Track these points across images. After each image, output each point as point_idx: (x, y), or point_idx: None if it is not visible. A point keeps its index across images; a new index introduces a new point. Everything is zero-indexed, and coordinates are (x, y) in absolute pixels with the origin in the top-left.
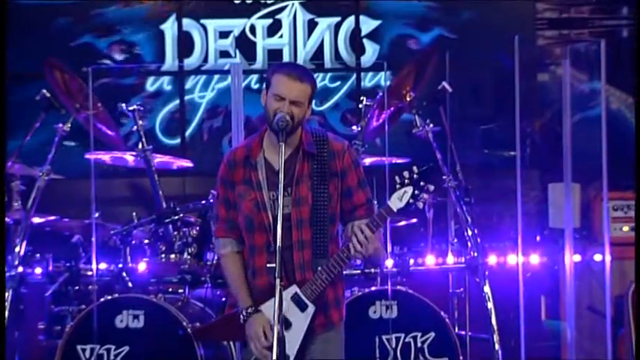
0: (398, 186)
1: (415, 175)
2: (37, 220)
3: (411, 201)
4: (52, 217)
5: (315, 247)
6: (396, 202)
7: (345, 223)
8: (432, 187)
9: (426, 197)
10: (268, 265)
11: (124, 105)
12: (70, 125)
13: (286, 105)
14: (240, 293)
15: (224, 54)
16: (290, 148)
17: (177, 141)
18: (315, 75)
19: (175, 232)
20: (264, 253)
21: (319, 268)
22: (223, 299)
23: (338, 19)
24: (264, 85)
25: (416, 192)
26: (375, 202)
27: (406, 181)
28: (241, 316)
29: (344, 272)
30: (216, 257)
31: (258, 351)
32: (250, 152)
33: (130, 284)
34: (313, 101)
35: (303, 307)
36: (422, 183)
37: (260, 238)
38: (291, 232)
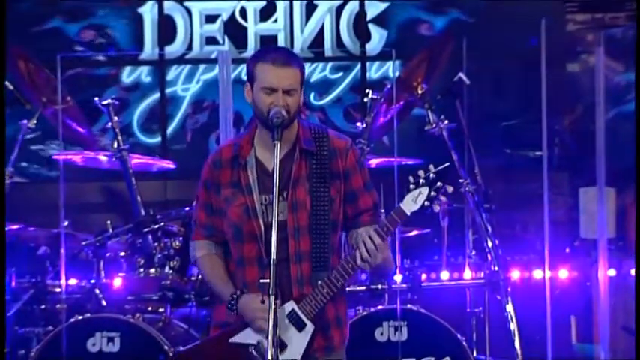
0: (412, 186)
1: (432, 175)
2: None
3: (426, 204)
4: (15, 226)
5: (315, 259)
6: (409, 204)
7: (347, 230)
8: (450, 189)
9: (443, 199)
10: (261, 281)
11: (97, 98)
12: (36, 122)
13: (280, 97)
14: (222, 285)
15: (211, 41)
16: (285, 145)
17: (158, 139)
18: (315, 65)
19: (155, 243)
20: (256, 266)
21: (319, 281)
22: (209, 319)
23: (340, 1)
24: (245, 80)
25: (432, 194)
26: (382, 211)
27: (421, 181)
28: (229, 304)
29: (347, 288)
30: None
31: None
32: (239, 151)
33: (103, 302)
34: (312, 94)
35: (300, 326)
36: (439, 184)
37: (250, 249)
38: (287, 242)
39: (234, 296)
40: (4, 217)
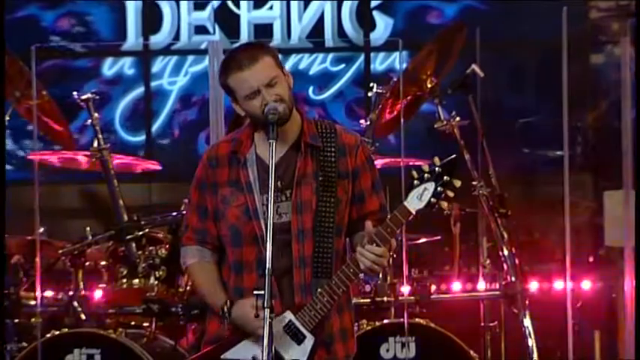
0: (416, 182)
1: (437, 169)
2: None
3: (433, 200)
4: None
5: (317, 265)
6: (414, 201)
7: (350, 234)
8: (458, 183)
9: (451, 195)
10: (255, 292)
11: (75, 93)
12: (8, 118)
13: (265, 93)
14: (215, 294)
15: (200, 30)
16: (289, 140)
17: (142, 138)
18: (314, 56)
19: (139, 252)
20: (255, 272)
21: (319, 289)
22: (199, 334)
23: None
24: (229, 98)
25: (439, 189)
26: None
27: (426, 176)
28: (222, 313)
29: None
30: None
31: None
32: (238, 147)
33: (82, 316)
34: (310, 88)
35: (299, 339)
36: (446, 177)
37: (250, 253)
38: (290, 245)
39: (227, 306)
40: (3, 218)
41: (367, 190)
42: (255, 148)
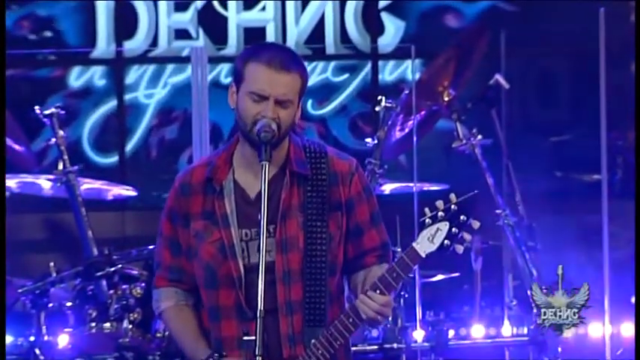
0: (428, 221)
1: (453, 207)
2: None
3: (446, 243)
4: None
5: (309, 311)
6: (424, 243)
7: (348, 274)
8: (476, 224)
9: (467, 238)
10: (245, 338)
11: (37, 108)
12: None
13: (270, 107)
14: (193, 345)
15: (181, 34)
16: (273, 168)
17: (115, 159)
18: (314, 65)
19: (111, 291)
20: (234, 319)
21: (313, 341)
22: None
23: None
24: (232, 81)
25: (454, 230)
26: (399, 249)
27: (440, 214)
28: None
29: (353, 348)
30: None
31: None
32: (214, 173)
33: None
34: (309, 102)
35: None
36: (462, 217)
37: (227, 297)
38: (275, 288)
39: (215, 357)
40: (4, 216)
41: (364, 223)
42: (233, 174)
